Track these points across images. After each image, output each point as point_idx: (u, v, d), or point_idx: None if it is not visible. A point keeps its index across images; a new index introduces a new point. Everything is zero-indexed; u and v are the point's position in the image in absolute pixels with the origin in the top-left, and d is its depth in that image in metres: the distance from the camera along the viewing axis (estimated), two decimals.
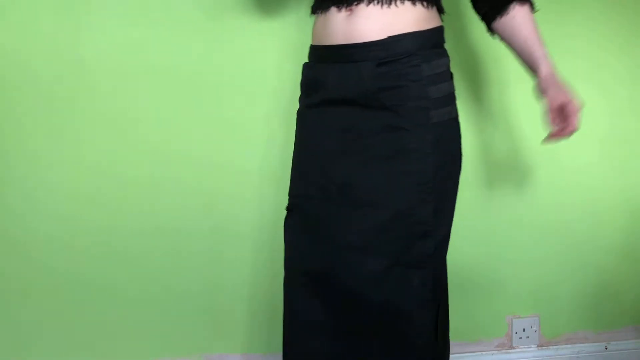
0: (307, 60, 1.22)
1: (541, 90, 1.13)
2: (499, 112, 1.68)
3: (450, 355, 1.70)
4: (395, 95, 1.06)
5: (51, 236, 1.52)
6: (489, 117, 1.66)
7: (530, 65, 1.15)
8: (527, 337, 1.75)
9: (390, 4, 1.06)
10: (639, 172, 1.76)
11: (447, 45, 1.17)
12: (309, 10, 1.23)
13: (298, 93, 1.25)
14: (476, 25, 1.49)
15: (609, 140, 1.74)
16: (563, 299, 1.76)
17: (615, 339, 1.79)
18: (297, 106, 1.24)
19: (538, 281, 1.74)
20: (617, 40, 1.71)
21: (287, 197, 1.23)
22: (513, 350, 1.75)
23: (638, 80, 1.73)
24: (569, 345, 1.77)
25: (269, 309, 1.62)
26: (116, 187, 1.53)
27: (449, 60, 1.13)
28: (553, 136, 1.10)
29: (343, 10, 1.09)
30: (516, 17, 1.12)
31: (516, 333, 1.74)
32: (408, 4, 1.07)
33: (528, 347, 1.75)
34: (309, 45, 1.23)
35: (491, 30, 1.18)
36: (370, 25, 1.06)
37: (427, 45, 1.08)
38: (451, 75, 1.13)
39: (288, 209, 1.21)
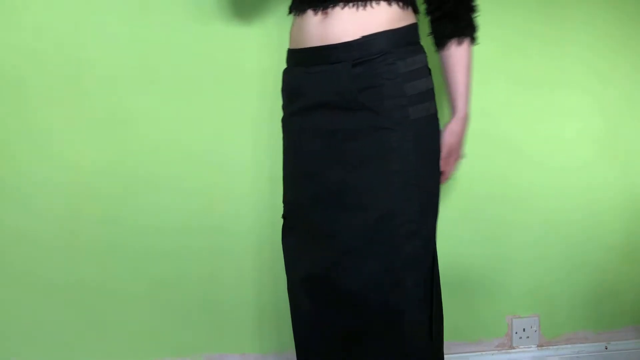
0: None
1: (445, 132, 1.18)
2: (500, 112, 1.68)
3: (451, 355, 1.71)
4: (372, 95, 1.06)
5: (51, 235, 1.52)
6: (489, 116, 1.66)
7: (452, 105, 1.20)
8: (527, 337, 1.75)
9: (365, 5, 1.07)
10: (638, 172, 1.76)
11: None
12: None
13: None
14: None
15: (609, 140, 1.74)
16: (563, 299, 1.76)
17: (615, 339, 1.79)
18: None
19: (538, 281, 1.74)
20: (616, 39, 1.71)
21: None
22: (513, 350, 1.75)
23: (637, 80, 1.73)
24: (569, 345, 1.77)
25: (269, 309, 1.63)
26: (115, 186, 1.54)
27: (425, 57, 1.13)
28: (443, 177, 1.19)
29: (319, 13, 1.10)
30: (452, 56, 1.15)
31: (516, 333, 1.74)
32: (384, 5, 1.08)
33: (528, 347, 1.75)
34: None
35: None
36: (344, 27, 1.07)
37: (402, 43, 1.09)
38: (429, 71, 1.13)
39: (283, 216, 1.23)
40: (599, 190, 1.74)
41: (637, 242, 1.78)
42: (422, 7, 1.19)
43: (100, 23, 1.49)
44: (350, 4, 1.07)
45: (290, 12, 1.19)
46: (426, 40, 1.17)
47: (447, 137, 1.17)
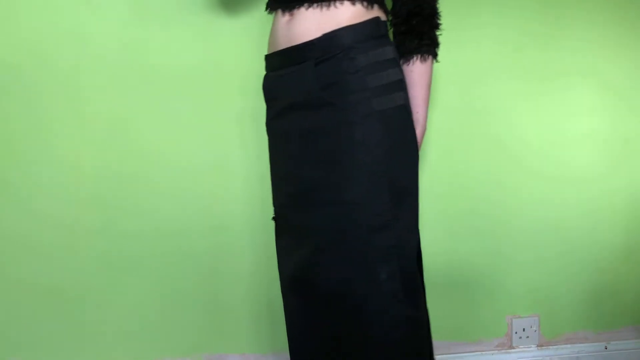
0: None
1: None
2: (500, 112, 1.68)
3: (451, 355, 1.71)
4: (336, 91, 1.07)
5: (51, 236, 1.52)
6: (490, 116, 1.66)
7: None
8: (527, 337, 1.75)
9: (329, 6, 1.08)
10: (638, 172, 1.76)
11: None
12: None
13: None
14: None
15: (609, 140, 1.74)
16: (563, 299, 1.76)
17: (615, 339, 1.79)
18: None
19: (538, 281, 1.74)
20: (617, 40, 1.71)
21: None
22: (513, 350, 1.75)
23: (637, 80, 1.73)
24: (568, 345, 1.77)
25: (269, 309, 1.63)
26: (114, 188, 1.54)
27: (392, 49, 1.12)
28: None
29: (287, 14, 1.12)
30: (414, 72, 1.15)
31: (516, 333, 1.74)
32: (347, 4, 1.09)
33: (528, 347, 1.76)
34: None
35: None
36: (307, 26, 1.09)
37: (363, 38, 1.09)
38: (397, 63, 1.12)
39: (273, 218, 1.25)
40: (599, 190, 1.74)
41: (637, 242, 1.78)
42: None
43: (100, 25, 1.49)
44: (315, 5, 1.09)
45: (266, 9, 1.22)
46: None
47: None
